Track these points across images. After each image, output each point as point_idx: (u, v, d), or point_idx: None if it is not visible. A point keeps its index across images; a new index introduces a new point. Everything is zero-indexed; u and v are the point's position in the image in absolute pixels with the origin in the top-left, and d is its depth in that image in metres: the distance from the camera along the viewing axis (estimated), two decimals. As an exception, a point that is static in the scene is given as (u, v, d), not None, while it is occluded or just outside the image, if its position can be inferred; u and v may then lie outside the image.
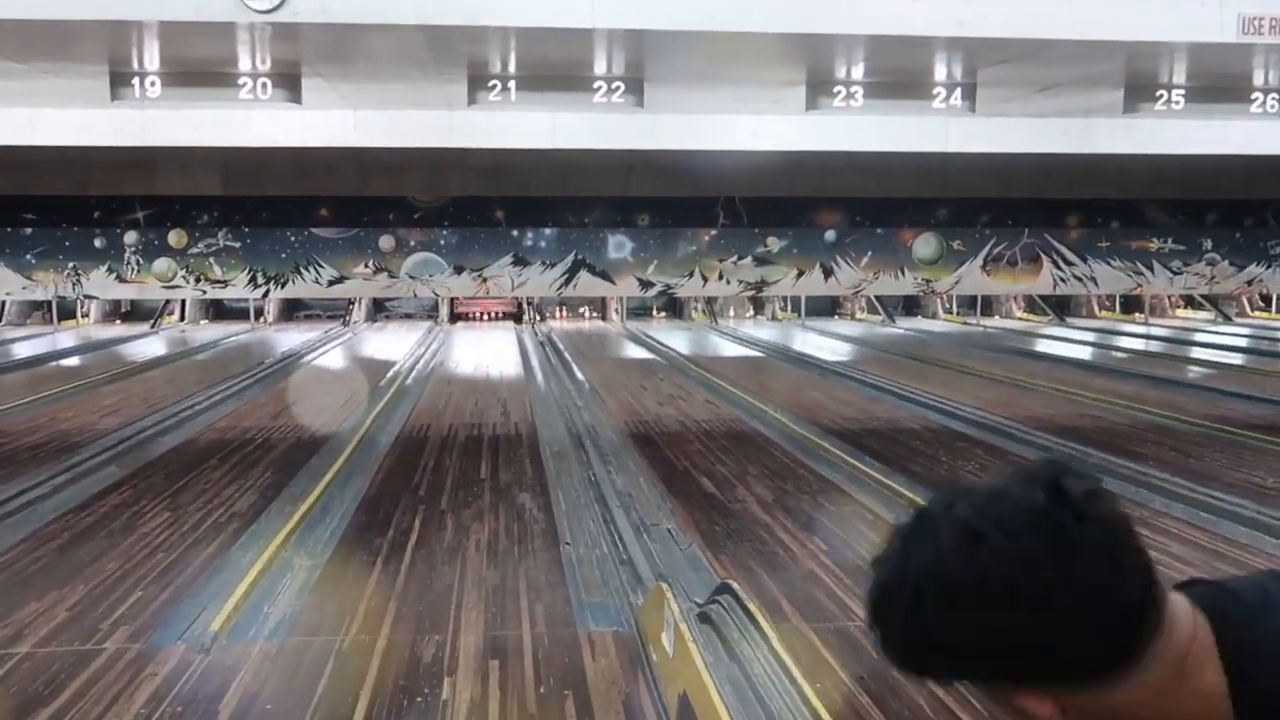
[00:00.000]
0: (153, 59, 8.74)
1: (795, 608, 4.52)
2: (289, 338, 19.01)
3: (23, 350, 16.72)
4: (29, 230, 18.51)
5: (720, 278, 19.93)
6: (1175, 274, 20.82)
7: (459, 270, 19.28)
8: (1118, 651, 0.81)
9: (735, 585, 4.05)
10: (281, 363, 14.87)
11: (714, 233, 19.80)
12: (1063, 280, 20.47)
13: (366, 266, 19.09)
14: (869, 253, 20.10)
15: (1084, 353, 16.63)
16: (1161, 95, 9.97)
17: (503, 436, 8.87)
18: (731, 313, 23.31)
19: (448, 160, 16.94)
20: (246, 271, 19.04)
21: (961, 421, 9.34)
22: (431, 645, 4.10)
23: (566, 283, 19.57)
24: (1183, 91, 9.97)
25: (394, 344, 17.66)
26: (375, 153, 15.44)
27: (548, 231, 19.45)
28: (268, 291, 19.43)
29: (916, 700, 3.55)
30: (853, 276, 20.18)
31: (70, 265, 18.76)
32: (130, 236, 18.76)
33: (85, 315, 21.77)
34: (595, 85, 9.43)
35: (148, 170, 15.70)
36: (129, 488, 6.91)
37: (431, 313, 22.60)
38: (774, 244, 19.92)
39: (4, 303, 20.95)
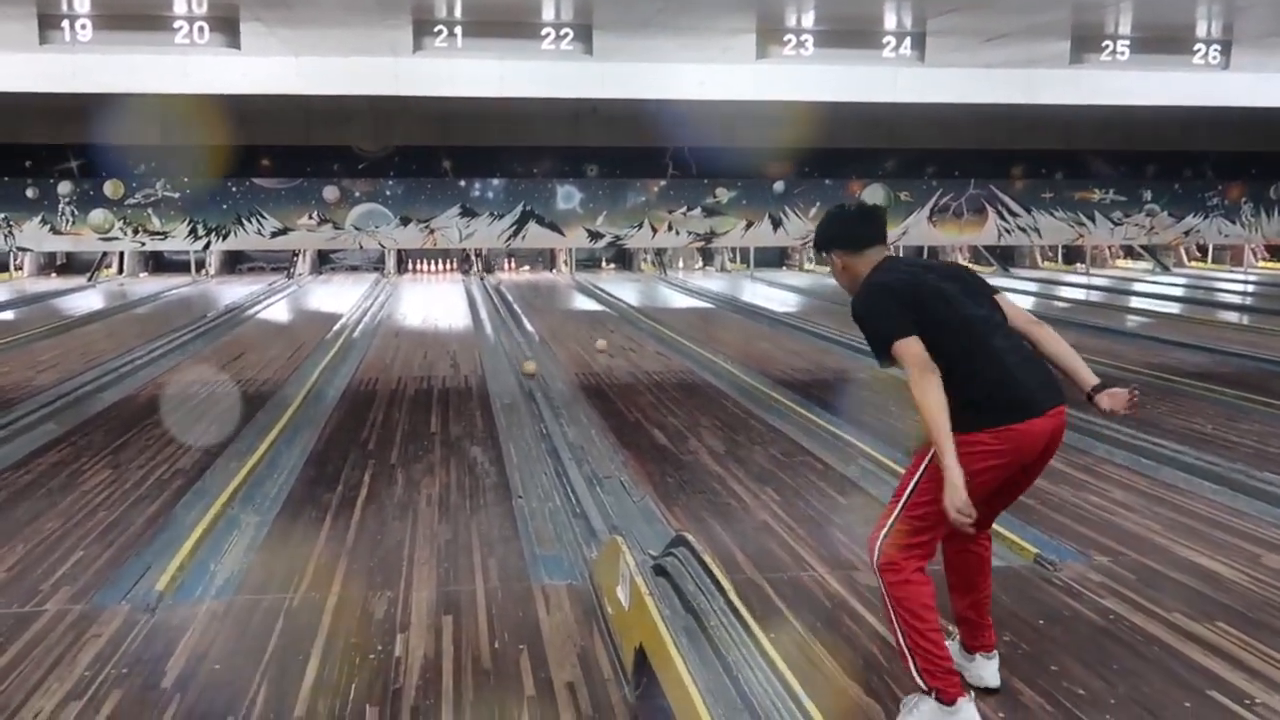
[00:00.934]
0: (82, 0, 8.44)
1: (749, 558, 4.54)
2: (232, 291, 18.66)
3: (-47, 304, 16.23)
4: (-44, 180, 17.95)
5: (669, 229, 19.88)
6: (1116, 225, 21.14)
7: (405, 221, 19.02)
8: (859, 244, 3.14)
9: (690, 537, 4.06)
10: (224, 316, 14.60)
11: (663, 183, 19.71)
12: (1007, 231, 20.70)
13: (311, 218, 18.76)
14: (817, 204, 20.14)
15: (1027, 303, 16.86)
16: (1107, 46, 10.05)
17: (452, 389, 8.80)
18: (680, 264, 23.29)
19: (393, 109, 16.65)
20: (186, 223, 18.63)
21: (909, 372, 9.42)
22: (383, 601, 4.07)
23: (515, 234, 19.39)
24: (1128, 42, 10.05)
25: (340, 296, 17.42)
26: (319, 101, 15.12)
27: (496, 182, 19.24)
28: (209, 243, 19.04)
29: (870, 649, 3.59)
30: (801, 227, 20.23)
31: (1, 217, 18.22)
32: (64, 187, 18.25)
33: (19, 268, 21.19)
34: (543, 32, 9.28)
35: (81, 118, 15.21)
36: (68, 445, 6.76)
37: (378, 264, 22.31)
38: (723, 195, 19.89)
39: (-68, 256, 20.32)
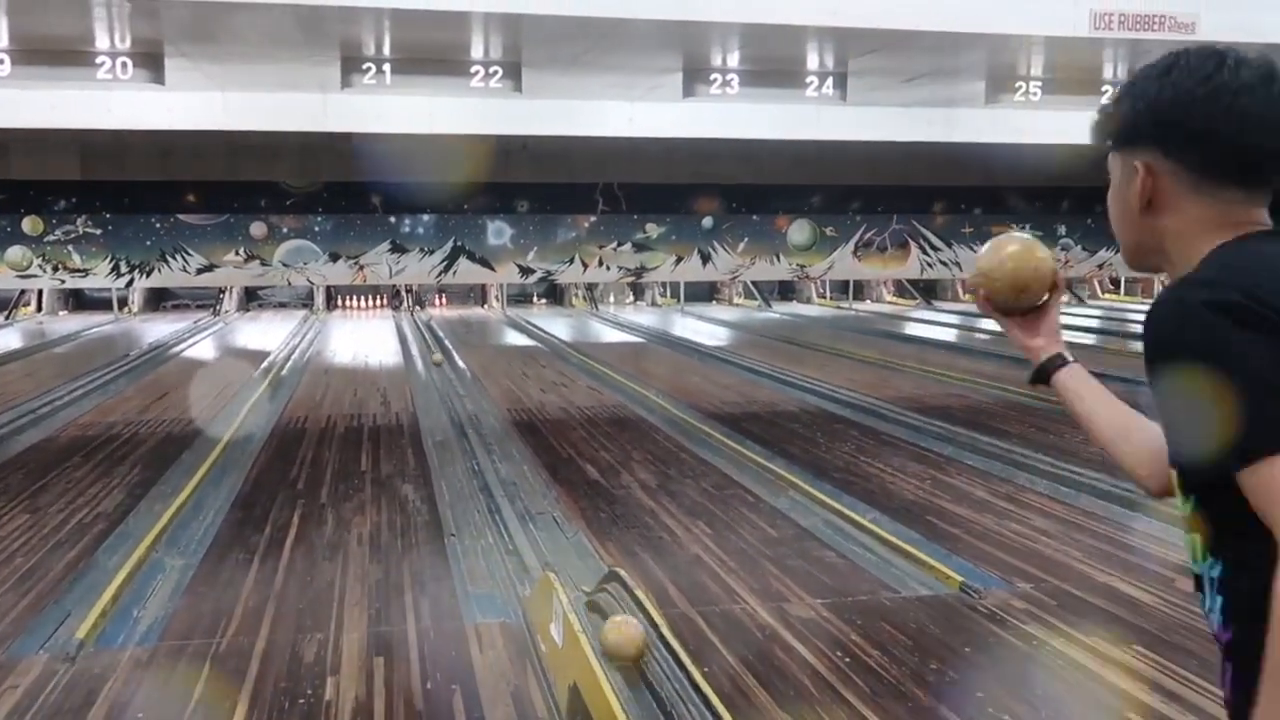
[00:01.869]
0: (1, 36, 8.28)
1: (682, 592, 4.58)
2: (156, 328, 18.29)
3: None
4: None
5: (600, 264, 19.93)
6: (1034, 258, 21.69)
7: (335, 257, 18.82)
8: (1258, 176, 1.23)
9: (622, 573, 4.08)
10: (148, 354, 14.31)
11: (593, 219, 19.80)
12: (929, 265, 21.13)
13: (237, 254, 18.44)
14: (745, 239, 20.38)
15: (950, 335, 17.25)
16: (1020, 87, 10.43)
17: (383, 427, 8.72)
18: (612, 299, 23.37)
19: (321, 145, 16.52)
20: (109, 260, 18.19)
21: (836, 404, 9.58)
22: (313, 644, 4.02)
23: (446, 269, 19.31)
24: (1040, 83, 10.45)
25: (268, 333, 17.17)
26: (245, 136, 14.95)
27: (425, 218, 19.16)
28: (131, 280, 18.59)
29: (801, 680, 3.64)
30: (730, 262, 20.43)
31: (-88, 254, 17.65)
32: (-22, 223, 17.74)
33: (-69, 307, 20.52)
34: (473, 69, 9.33)
35: (-3, 153, 14.86)
36: (-17, 489, 6.56)
37: (306, 301, 22.03)
38: (653, 230, 20.03)
39: None
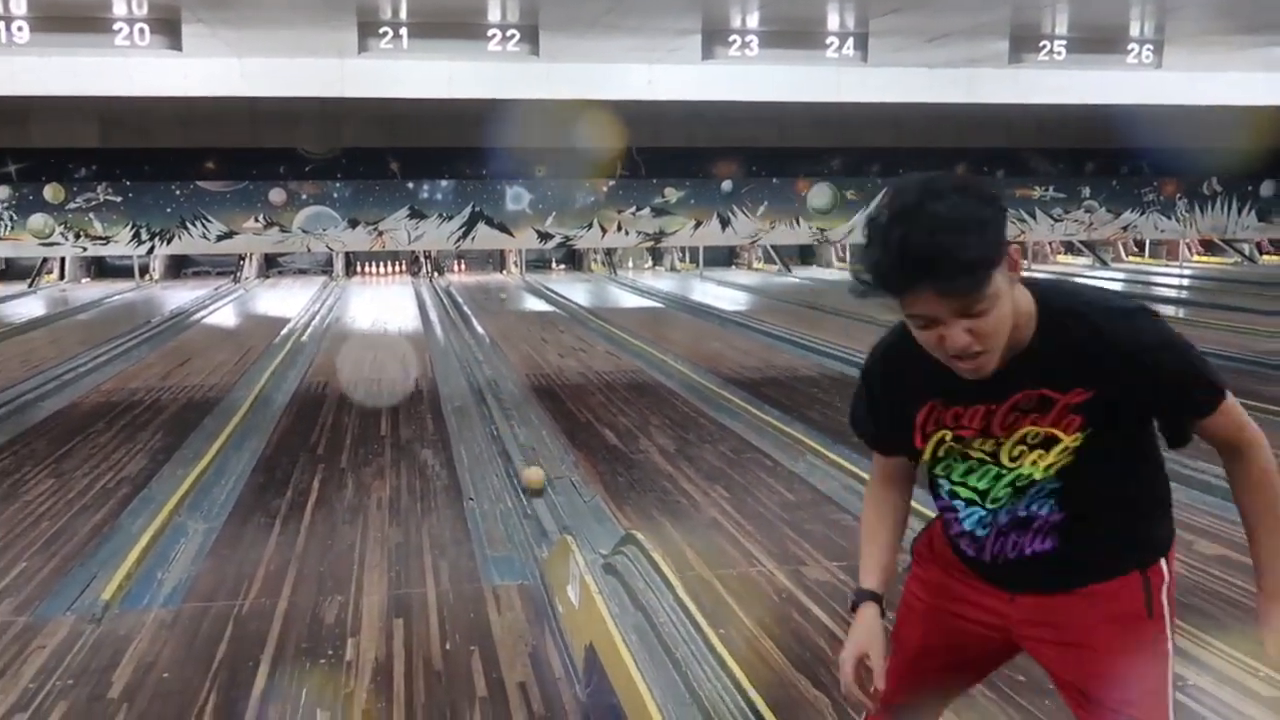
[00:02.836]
0: (19, 1, 8.30)
1: (699, 555, 4.59)
2: (177, 295, 18.39)
3: (-113, 312, 15.84)
4: (-111, 184, 17.55)
5: (619, 229, 19.93)
6: (1056, 221, 21.54)
7: (353, 224, 18.89)
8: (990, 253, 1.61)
9: (639, 536, 4.10)
10: (170, 321, 14.40)
11: (612, 184, 19.75)
12: (952, 228, 20.99)
13: (257, 221, 18.56)
14: (765, 203, 20.31)
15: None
16: (1044, 45, 10.27)
17: (402, 392, 8.77)
18: (630, 264, 23.33)
19: (340, 111, 16.51)
20: (129, 227, 18.35)
21: (856, 368, 9.46)
22: (334, 606, 4.06)
23: (464, 235, 19.34)
24: (1064, 42, 10.28)
25: (288, 300, 17.24)
26: (264, 103, 14.96)
27: (444, 183, 19.16)
28: (152, 248, 18.77)
29: (817, 643, 3.66)
30: (749, 226, 20.38)
31: (-64, 222, 17.84)
32: (2, 192, 17.88)
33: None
34: (490, 33, 9.28)
35: (19, 121, 14.94)
36: (9, 454, 6.65)
37: (326, 268, 22.10)
38: (671, 194, 19.98)
39: None
